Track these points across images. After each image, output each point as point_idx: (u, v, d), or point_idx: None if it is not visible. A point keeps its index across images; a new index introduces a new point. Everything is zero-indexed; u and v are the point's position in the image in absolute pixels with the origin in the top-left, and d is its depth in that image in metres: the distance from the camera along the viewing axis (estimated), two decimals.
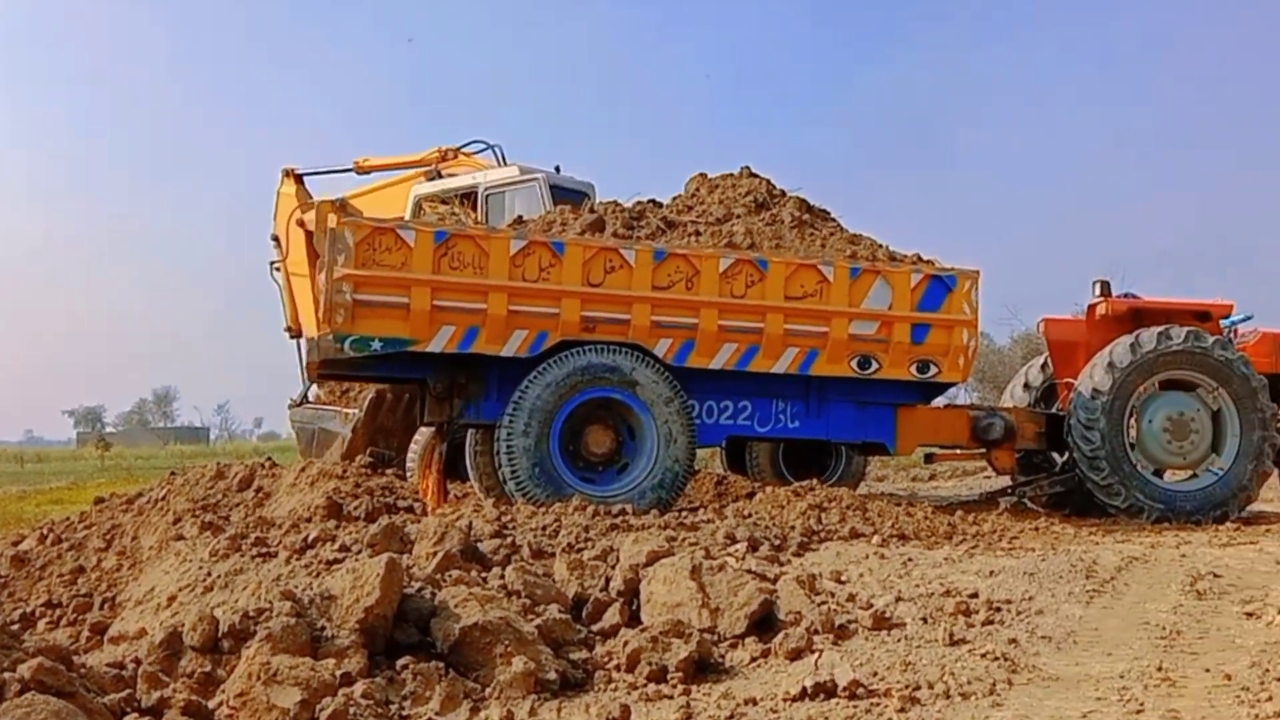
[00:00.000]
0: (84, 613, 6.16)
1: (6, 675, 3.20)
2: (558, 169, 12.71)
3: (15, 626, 5.87)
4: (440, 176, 13.29)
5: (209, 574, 5.41)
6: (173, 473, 9.63)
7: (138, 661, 4.07)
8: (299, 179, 13.06)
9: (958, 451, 10.43)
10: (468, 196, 12.23)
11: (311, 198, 11.99)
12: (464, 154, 13.52)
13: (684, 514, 7.41)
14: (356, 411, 11.83)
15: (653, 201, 9.62)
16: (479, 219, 9.95)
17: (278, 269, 12.41)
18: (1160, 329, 9.57)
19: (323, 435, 12.40)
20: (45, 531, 8.31)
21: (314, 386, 12.88)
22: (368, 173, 13.80)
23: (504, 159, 13.25)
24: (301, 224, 10.51)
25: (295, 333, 12.37)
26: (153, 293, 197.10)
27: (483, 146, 13.57)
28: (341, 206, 7.89)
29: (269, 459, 9.99)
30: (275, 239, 12.45)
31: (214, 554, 5.62)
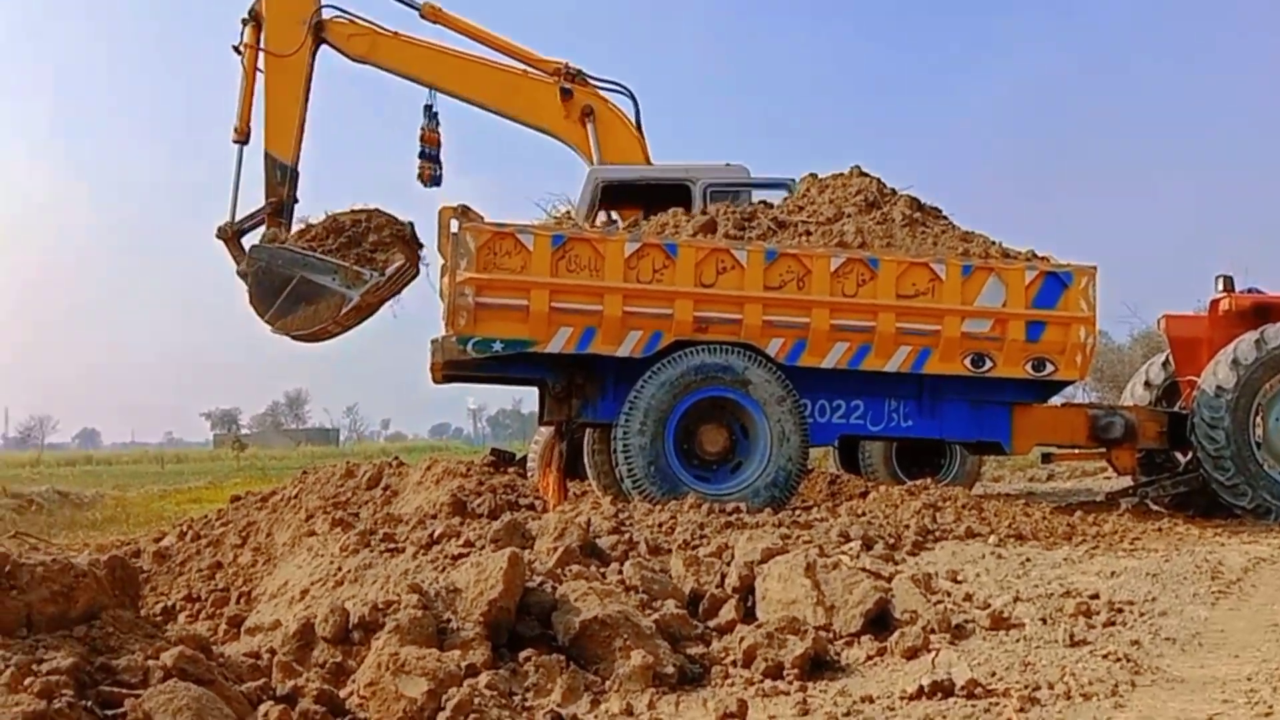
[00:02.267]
0: (221, 606, 6.46)
1: (150, 663, 3.40)
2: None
3: (158, 618, 6.20)
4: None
5: (339, 569, 5.63)
6: (304, 472, 9.99)
7: (272, 652, 4.26)
8: None
9: (1076, 451, 10.25)
10: (668, 188, 10.92)
11: None
12: (591, 82, 12.55)
13: (798, 512, 7.45)
14: (373, 274, 11.13)
15: (763, 202, 9.66)
16: (688, 215, 9.31)
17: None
18: None
19: (305, 288, 11.17)
20: (185, 529, 8.69)
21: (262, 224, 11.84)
22: (436, 23, 12.48)
23: (638, 107, 12.51)
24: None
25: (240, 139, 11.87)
26: None
27: (620, 90, 12.62)
28: (464, 212, 8.11)
29: (396, 458, 10.29)
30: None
31: (344, 549, 5.85)
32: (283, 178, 11.79)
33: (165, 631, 3.82)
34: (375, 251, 11.29)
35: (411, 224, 11.49)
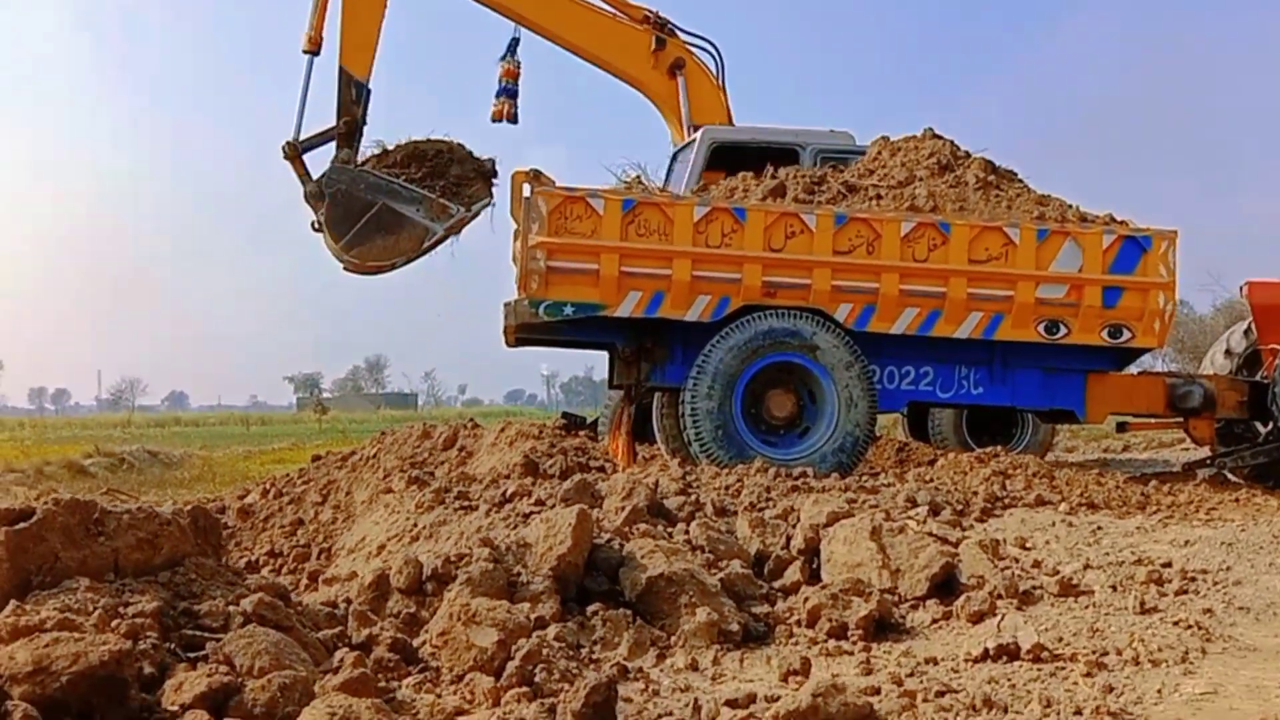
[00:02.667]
0: (302, 561, 6.61)
1: (231, 608, 3.52)
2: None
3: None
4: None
5: (415, 525, 5.75)
6: (383, 433, 10.16)
7: (349, 601, 4.37)
8: None
9: (1152, 421, 10.08)
10: (777, 152, 10.48)
11: None
12: (680, 34, 12.13)
13: (864, 478, 7.44)
14: (459, 209, 10.69)
15: (833, 166, 9.58)
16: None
17: None
18: None
19: (386, 217, 10.68)
20: (268, 486, 8.90)
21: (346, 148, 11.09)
22: None
23: (722, 64, 12.15)
24: None
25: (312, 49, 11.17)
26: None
27: (704, 47, 12.27)
28: (536, 176, 8.17)
29: (471, 421, 10.41)
30: None
31: (420, 506, 5.97)
32: (357, 96, 11.14)
33: (246, 580, 3.93)
34: (459, 186, 10.93)
35: (494, 160, 11.19)
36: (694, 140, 10.77)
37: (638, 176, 10.36)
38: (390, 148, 11.22)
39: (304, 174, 11.06)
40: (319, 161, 11.16)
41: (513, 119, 12.15)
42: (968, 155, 9.30)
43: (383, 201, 10.69)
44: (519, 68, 12.11)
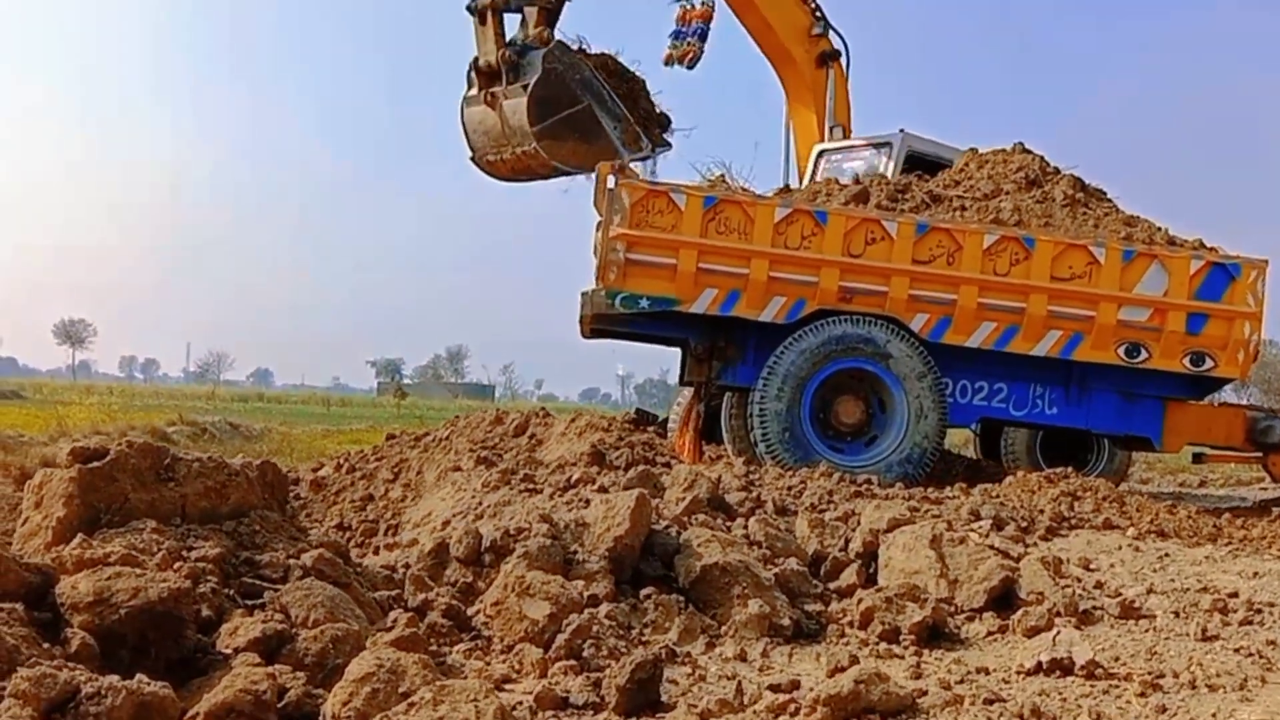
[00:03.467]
0: (370, 536, 6.71)
1: (291, 561, 3.62)
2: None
3: None
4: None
5: (480, 503, 5.83)
6: (457, 417, 10.27)
7: (407, 566, 4.46)
8: None
9: (1230, 454, 9.84)
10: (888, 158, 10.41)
11: None
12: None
13: (930, 490, 7.37)
14: (647, 145, 10.04)
15: (920, 175, 9.51)
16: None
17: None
18: None
19: (587, 122, 9.73)
20: (341, 461, 9.06)
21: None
22: None
23: (849, 64, 11.88)
24: None
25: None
26: (456, 255, 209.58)
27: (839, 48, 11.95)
28: (621, 169, 8.23)
29: (543, 409, 10.48)
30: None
31: (486, 485, 6.06)
32: None
33: (309, 535, 4.03)
34: (646, 122, 10.34)
35: (669, 116, 10.73)
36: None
37: (721, 175, 10.32)
38: (589, 50, 10.37)
39: (498, 35, 9.93)
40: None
41: (694, 63, 11.28)
42: (1057, 171, 9.17)
43: (589, 103, 9.86)
44: (713, 8, 11.37)
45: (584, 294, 8.50)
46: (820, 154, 11.29)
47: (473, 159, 10.51)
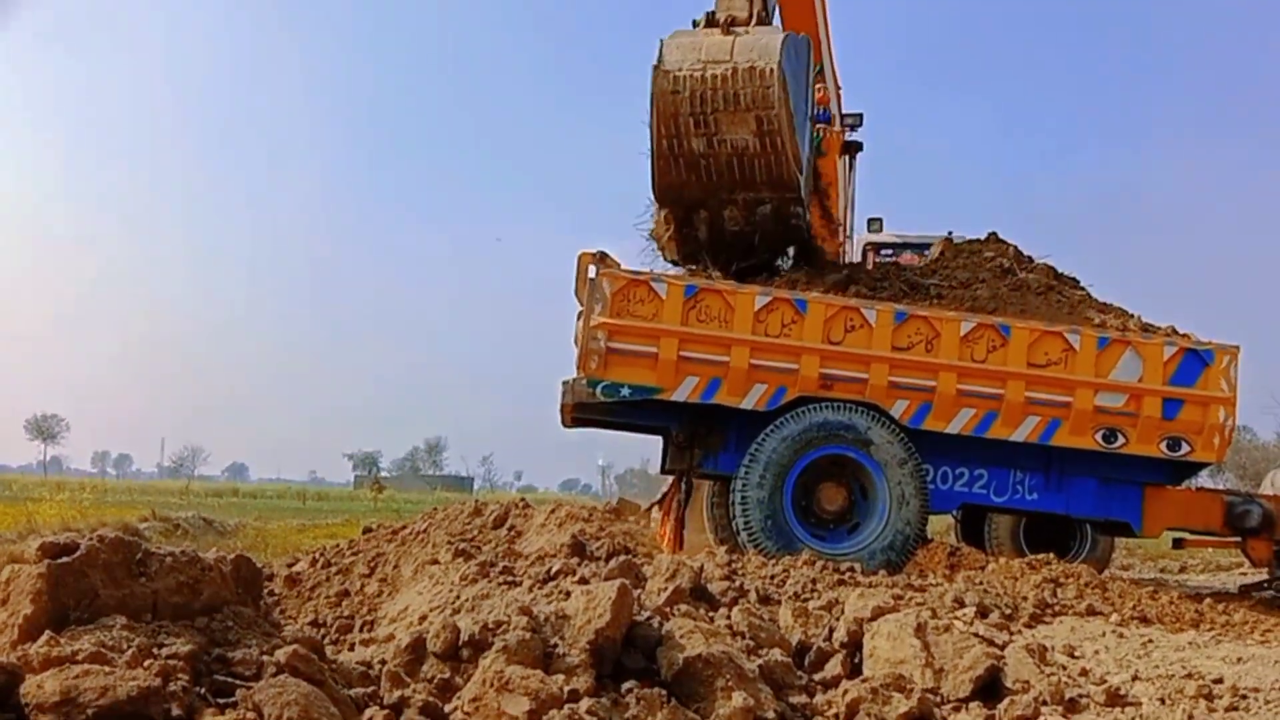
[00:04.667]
0: (345, 633, 6.61)
1: (265, 658, 3.54)
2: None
3: None
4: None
5: (458, 597, 5.75)
6: (435, 509, 10.19)
7: (383, 662, 4.36)
8: None
9: (1209, 539, 9.86)
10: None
11: None
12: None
13: (913, 577, 7.33)
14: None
15: (896, 264, 9.63)
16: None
17: None
18: None
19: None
20: (317, 556, 8.95)
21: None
22: None
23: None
24: None
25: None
26: (431, 349, 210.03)
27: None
28: (602, 258, 8.28)
29: (523, 499, 10.43)
30: None
31: (464, 578, 5.98)
32: None
33: (282, 631, 3.95)
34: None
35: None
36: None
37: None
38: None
39: None
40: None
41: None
42: (1031, 260, 9.30)
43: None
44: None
45: (565, 383, 8.50)
46: (868, 246, 11.49)
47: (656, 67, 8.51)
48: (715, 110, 8.17)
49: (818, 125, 10.48)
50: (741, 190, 8.46)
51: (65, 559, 3.42)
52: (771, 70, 8.05)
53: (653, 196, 8.76)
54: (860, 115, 12.02)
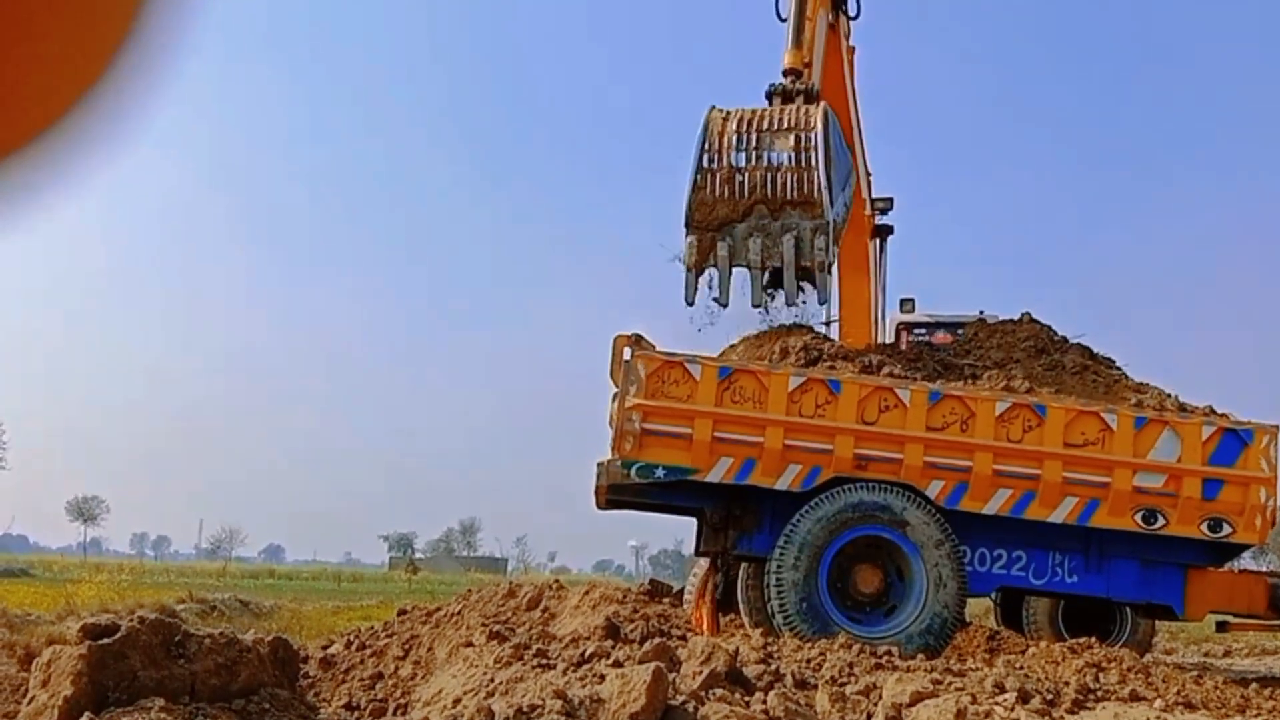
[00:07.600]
0: (379, 716, 6.57)
1: None
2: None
3: None
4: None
5: (492, 680, 5.73)
6: (469, 590, 10.18)
7: None
8: None
9: (1254, 622, 9.66)
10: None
11: None
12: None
13: (952, 661, 7.23)
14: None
15: (929, 344, 9.63)
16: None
17: None
18: None
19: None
20: (352, 638, 8.94)
21: None
22: None
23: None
24: None
25: None
26: (471, 430, 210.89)
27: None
28: (637, 340, 8.35)
29: (557, 581, 10.39)
30: None
31: (498, 661, 5.96)
32: None
33: (319, 714, 3.96)
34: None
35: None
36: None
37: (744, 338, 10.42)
38: None
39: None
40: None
41: None
42: (1065, 340, 9.28)
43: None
44: None
45: (599, 464, 8.52)
46: (901, 326, 11.55)
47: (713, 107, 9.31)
48: (759, 130, 8.88)
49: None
50: (770, 207, 8.70)
51: (106, 640, 3.44)
52: (816, 107, 8.90)
53: (684, 222, 8.95)
54: (890, 199, 12.34)
